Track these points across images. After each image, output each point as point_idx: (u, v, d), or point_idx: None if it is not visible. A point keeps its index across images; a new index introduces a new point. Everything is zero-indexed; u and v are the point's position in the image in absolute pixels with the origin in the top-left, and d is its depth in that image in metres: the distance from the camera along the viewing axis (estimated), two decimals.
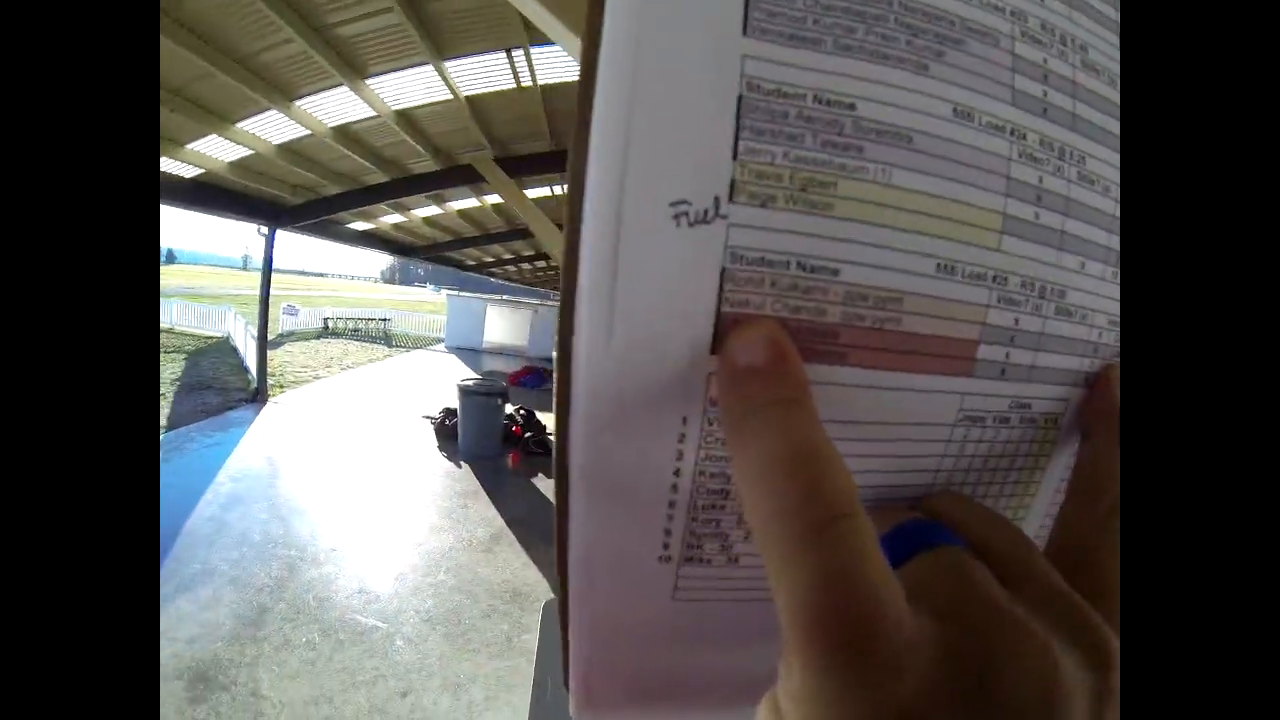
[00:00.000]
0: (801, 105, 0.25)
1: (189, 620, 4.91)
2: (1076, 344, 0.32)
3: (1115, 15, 0.32)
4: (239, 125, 7.29)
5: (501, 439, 9.59)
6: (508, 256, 22.82)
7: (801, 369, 0.24)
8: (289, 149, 8.26)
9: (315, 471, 8.42)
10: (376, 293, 69.73)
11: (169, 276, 57.99)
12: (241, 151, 8.14)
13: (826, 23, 0.26)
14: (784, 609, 0.20)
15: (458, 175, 9.50)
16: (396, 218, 13.51)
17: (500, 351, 23.34)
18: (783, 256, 0.26)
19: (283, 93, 6.57)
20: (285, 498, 7.46)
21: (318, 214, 10.65)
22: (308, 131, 7.63)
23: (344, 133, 7.92)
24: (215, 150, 8.05)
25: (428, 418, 10.92)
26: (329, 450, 9.37)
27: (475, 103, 7.40)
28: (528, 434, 9.88)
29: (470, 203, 12.90)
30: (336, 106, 7.17)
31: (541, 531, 6.60)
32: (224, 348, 19.11)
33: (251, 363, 14.56)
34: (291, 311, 25.57)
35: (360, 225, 13.81)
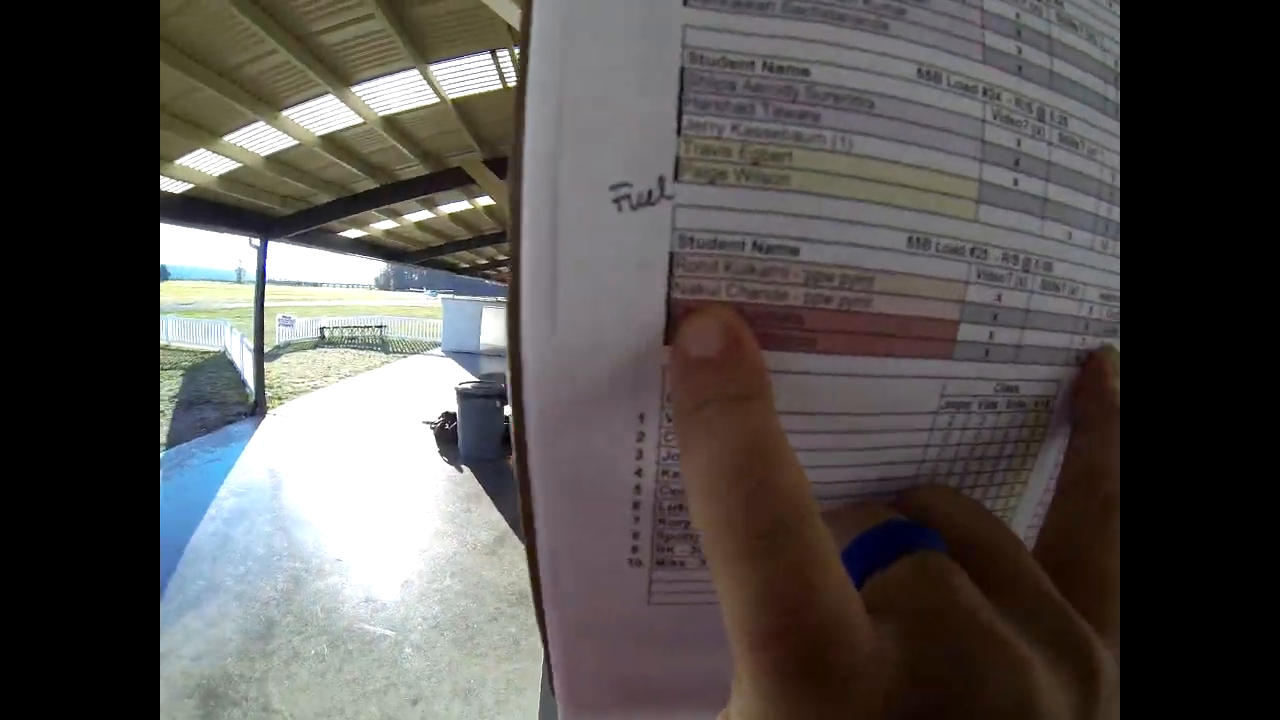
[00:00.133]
0: (750, 74, 0.23)
1: (196, 637, 4.89)
2: (1066, 320, 0.29)
3: None
4: (227, 138, 7.27)
5: (502, 440, 9.57)
6: (501, 258, 22.79)
7: (758, 359, 0.22)
8: (278, 160, 8.24)
9: (317, 482, 8.38)
10: (372, 300, 69.72)
11: (163, 293, 57.93)
12: (230, 164, 8.12)
13: None
14: (728, 625, 0.19)
15: (448, 179, 9.51)
16: (388, 224, 13.50)
17: (498, 353, 23.26)
18: (736, 237, 0.23)
19: (269, 104, 6.57)
20: (288, 510, 7.45)
21: (309, 224, 10.66)
22: (296, 141, 7.62)
23: (332, 141, 7.92)
24: (204, 164, 8.04)
25: (427, 423, 10.91)
26: (330, 460, 9.33)
27: (462, 105, 7.40)
28: None
29: (462, 205, 12.90)
30: (323, 115, 7.17)
31: None
32: (220, 362, 19.05)
33: (249, 376, 14.54)
34: (287, 323, 25.51)
35: (352, 233, 13.79)
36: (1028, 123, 0.27)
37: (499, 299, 25.54)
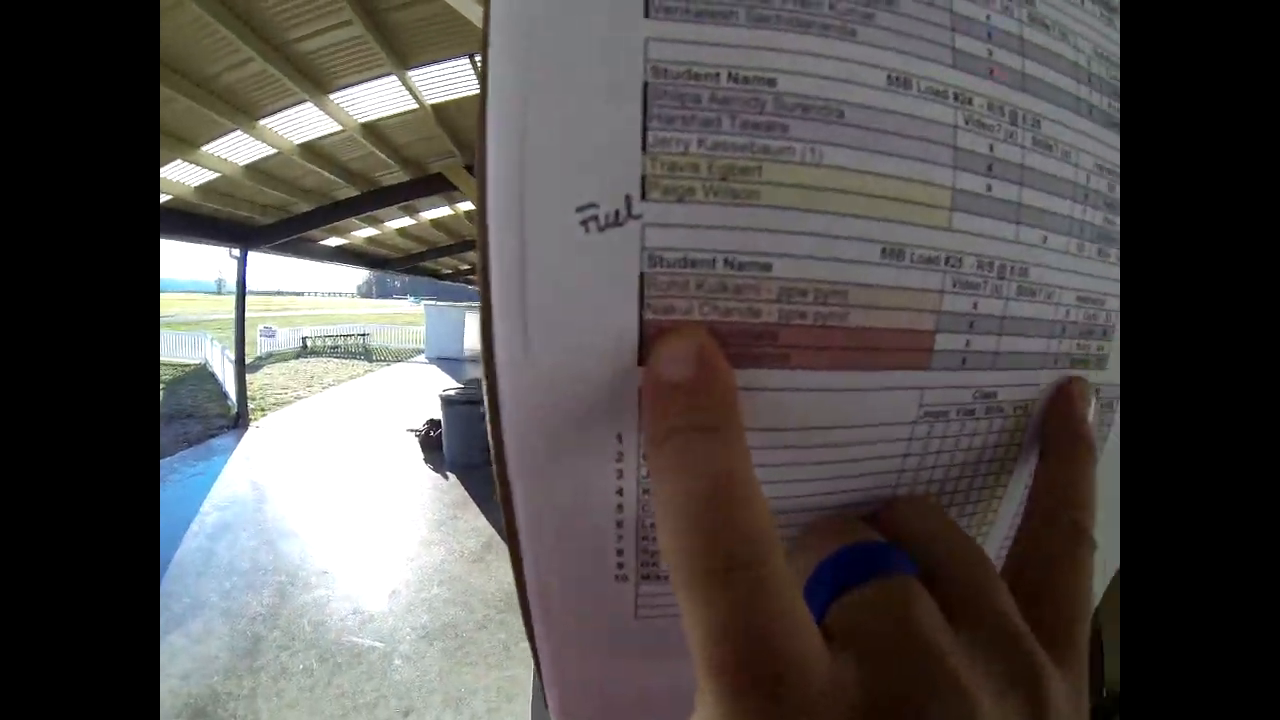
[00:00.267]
0: (715, 86, 0.23)
1: (182, 655, 4.81)
2: (1044, 324, 0.29)
3: None
4: (204, 148, 7.22)
5: (487, 447, 9.49)
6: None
7: (729, 384, 0.22)
8: (256, 169, 8.19)
9: (301, 494, 8.27)
10: (354, 308, 69.35)
11: None
12: (208, 175, 8.06)
13: None
14: (691, 649, 0.19)
15: (429, 185, 9.49)
16: (370, 231, 13.45)
17: (478, 359, 23.19)
18: (707, 254, 0.23)
19: (246, 113, 6.52)
20: (273, 523, 7.33)
21: (289, 233, 10.59)
22: (274, 150, 7.57)
23: (311, 149, 7.88)
24: (181, 175, 7.97)
25: (412, 430, 10.83)
26: (314, 471, 9.25)
27: (442, 110, 7.37)
28: None
29: (443, 211, 12.86)
30: (302, 123, 7.13)
31: None
32: (202, 375, 18.88)
33: (231, 388, 14.42)
34: (269, 333, 25.34)
35: (333, 241, 13.74)
36: (1000, 127, 0.27)
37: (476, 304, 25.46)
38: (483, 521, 7.13)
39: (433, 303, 26.51)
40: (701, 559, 0.19)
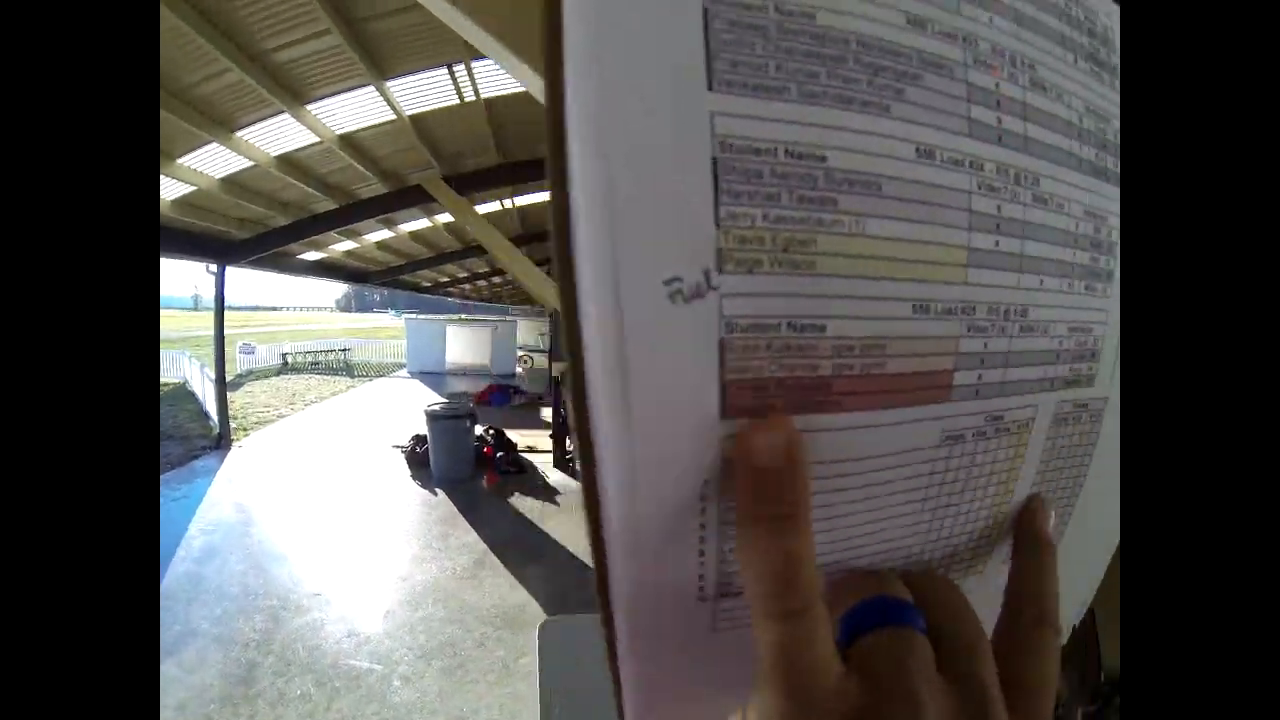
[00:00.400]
0: (774, 161, 0.26)
1: (176, 685, 4.77)
2: (1042, 354, 0.35)
3: (1059, 26, 0.34)
4: (180, 161, 7.12)
5: (474, 461, 9.50)
6: (463, 275, 22.70)
7: (805, 478, 0.28)
8: (233, 182, 8.09)
9: (288, 515, 8.24)
10: (333, 322, 68.74)
11: None
12: (184, 188, 7.95)
13: (790, 69, 0.26)
14: (758, 655, 0.28)
15: (407, 197, 9.41)
16: (348, 244, 13.35)
17: (463, 372, 23.12)
18: (774, 320, 0.27)
19: (222, 124, 6.43)
20: (261, 546, 7.29)
21: (267, 247, 10.48)
22: (251, 163, 7.48)
23: (288, 161, 7.78)
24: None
25: (398, 447, 10.77)
26: (300, 491, 9.14)
27: (420, 121, 7.31)
28: (499, 453, 9.79)
29: (422, 224, 12.80)
30: (279, 135, 7.05)
31: (525, 552, 6.56)
32: (181, 394, 18.63)
33: (211, 407, 14.23)
34: (248, 350, 25.08)
35: (312, 255, 13.62)
36: (1006, 188, 0.32)
37: (461, 316, 25.38)
38: (473, 537, 7.10)
39: (413, 316, 26.36)
40: (771, 603, 0.27)
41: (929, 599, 0.33)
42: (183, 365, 20.74)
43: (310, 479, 9.79)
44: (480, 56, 5.96)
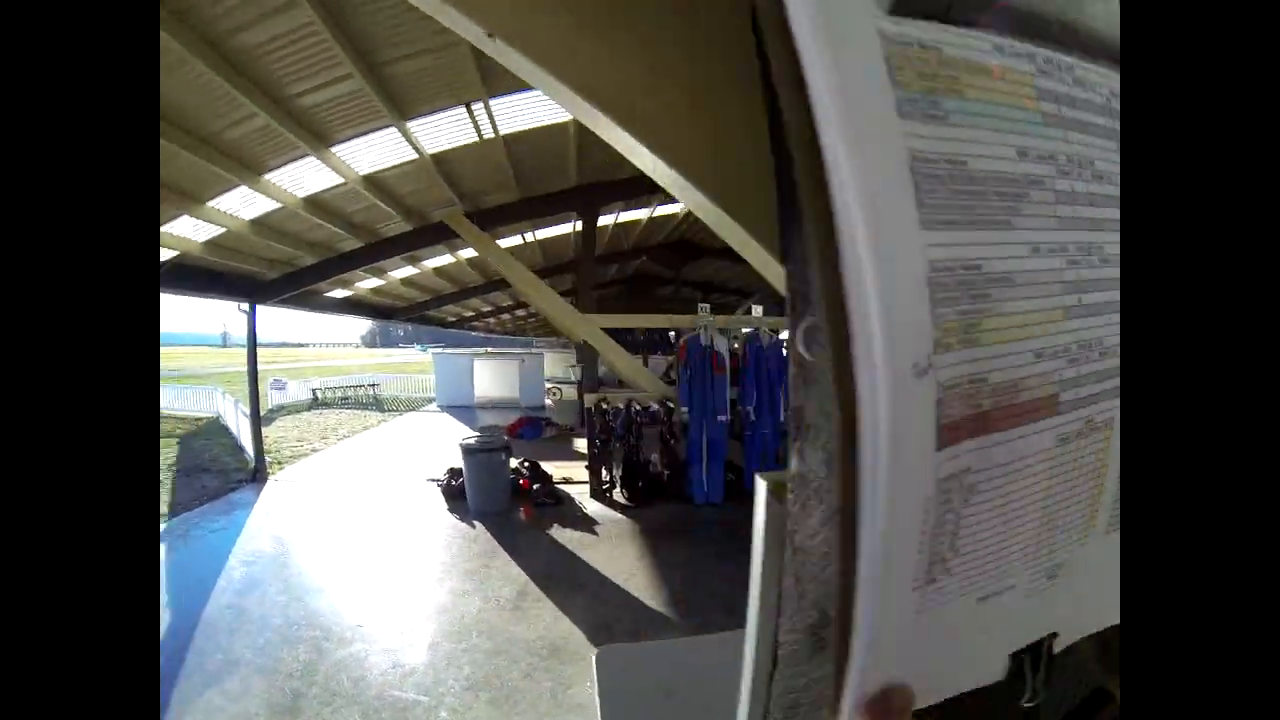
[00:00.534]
0: (956, 274, 0.43)
1: (220, 714, 4.70)
2: (1108, 370, 0.52)
3: (1105, 122, 0.51)
4: (210, 204, 7.35)
5: (510, 494, 9.45)
6: (487, 309, 22.92)
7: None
8: (262, 223, 8.32)
9: (327, 547, 8.12)
10: (359, 358, 69.25)
11: None
12: (215, 230, 8.20)
13: (960, 205, 0.43)
14: None
15: (431, 234, 9.68)
16: (374, 282, 13.56)
17: (493, 405, 23.11)
18: (960, 379, 0.44)
19: (251, 168, 6.65)
20: (301, 577, 7.21)
21: (296, 286, 10.71)
22: (279, 204, 7.72)
23: (315, 202, 8.02)
24: (189, 231, 8.11)
25: (433, 480, 10.72)
26: (338, 524, 9.11)
27: (441, 159, 7.53)
28: (536, 485, 9.74)
29: (446, 260, 13.01)
30: (305, 177, 7.27)
31: (567, 583, 6.47)
32: (215, 428, 18.82)
33: (246, 441, 14.34)
34: (279, 386, 25.35)
35: (339, 293, 13.84)
36: (1083, 260, 0.49)
37: (487, 350, 25.44)
38: (515, 569, 7.02)
39: (440, 350, 26.52)
40: None
41: None
42: (215, 401, 20.98)
43: (347, 512, 9.75)
44: (497, 94, 6.18)
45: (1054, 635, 0.61)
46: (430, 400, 25.54)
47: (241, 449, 14.79)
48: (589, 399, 9.70)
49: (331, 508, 10.02)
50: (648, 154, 1.19)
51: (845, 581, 0.47)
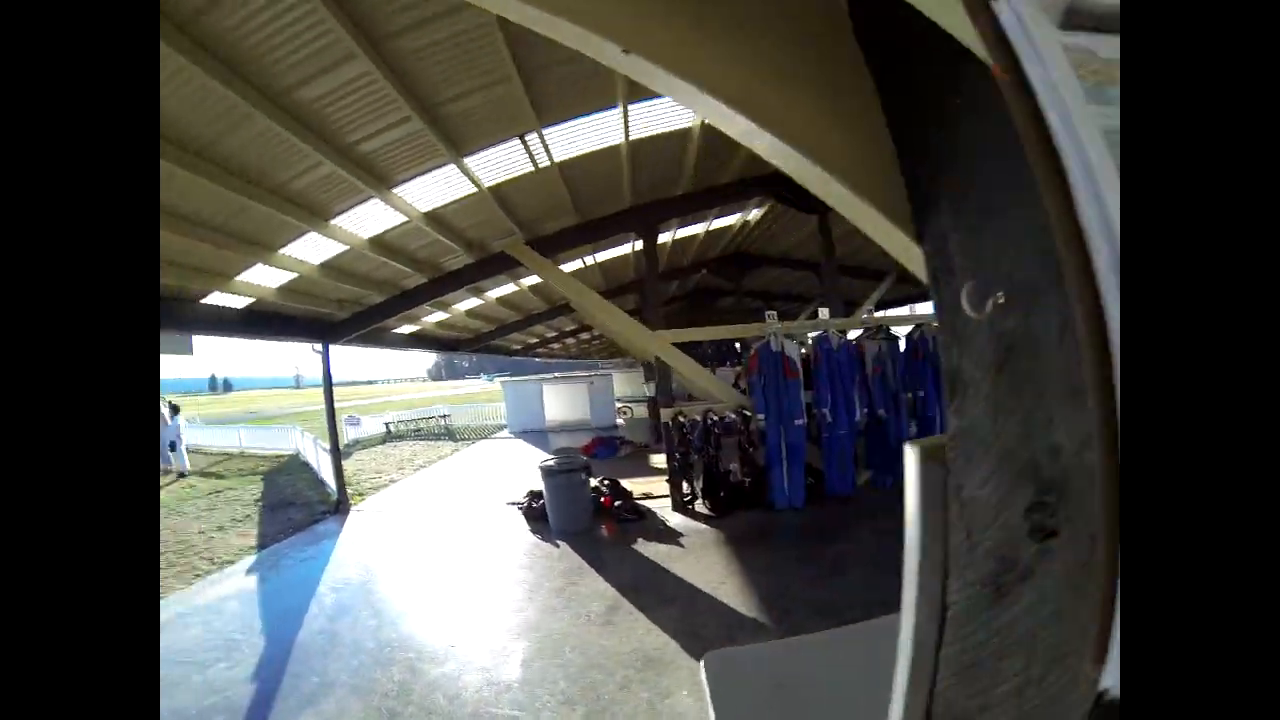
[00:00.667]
0: None
1: None
2: None
3: None
4: (282, 251, 7.62)
5: (592, 512, 9.40)
6: (551, 335, 23.14)
7: None
8: (331, 266, 8.59)
9: (413, 572, 8.29)
10: (427, 391, 70.61)
11: (229, 405, 59.78)
12: (287, 275, 8.49)
13: None
14: None
15: (493, 265, 9.82)
16: (440, 315, 13.82)
17: (564, 428, 23.31)
18: None
19: (318, 214, 6.88)
20: (390, 602, 7.32)
21: (365, 324, 11.00)
22: (346, 246, 7.93)
23: (380, 242, 8.22)
24: (263, 278, 8.43)
25: (514, 503, 10.79)
26: (422, 549, 9.32)
27: (499, 191, 7.66)
28: (617, 503, 9.70)
29: (509, 289, 13.19)
30: (370, 218, 7.47)
31: (656, 595, 6.37)
32: (295, 464, 19.41)
33: (325, 475, 14.71)
34: (354, 422, 25.98)
35: (406, 328, 14.14)
36: None
37: (555, 375, 25.68)
38: (603, 585, 6.96)
39: (508, 379, 26.86)
40: None
41: None
42: (293, 439, 21.60)
43: (430, 537, 9.89)
44: (549, 124, 6.30)
45: None
46: (501, 427, 25.87)
47: (322, 482, 15.18)
48: (665, 414, 9.64)
49: (414, 534, 10.19)
50: (780, 146, 1.27)
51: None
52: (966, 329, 0.83)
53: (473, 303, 13.66)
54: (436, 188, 7.08)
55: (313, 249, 7.92)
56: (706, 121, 7.05)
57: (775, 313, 9.06)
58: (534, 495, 10.16)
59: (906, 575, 0.95)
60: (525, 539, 9.16)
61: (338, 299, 10.25)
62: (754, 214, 12.99)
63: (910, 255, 1.15)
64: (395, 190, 6.74)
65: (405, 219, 7.57)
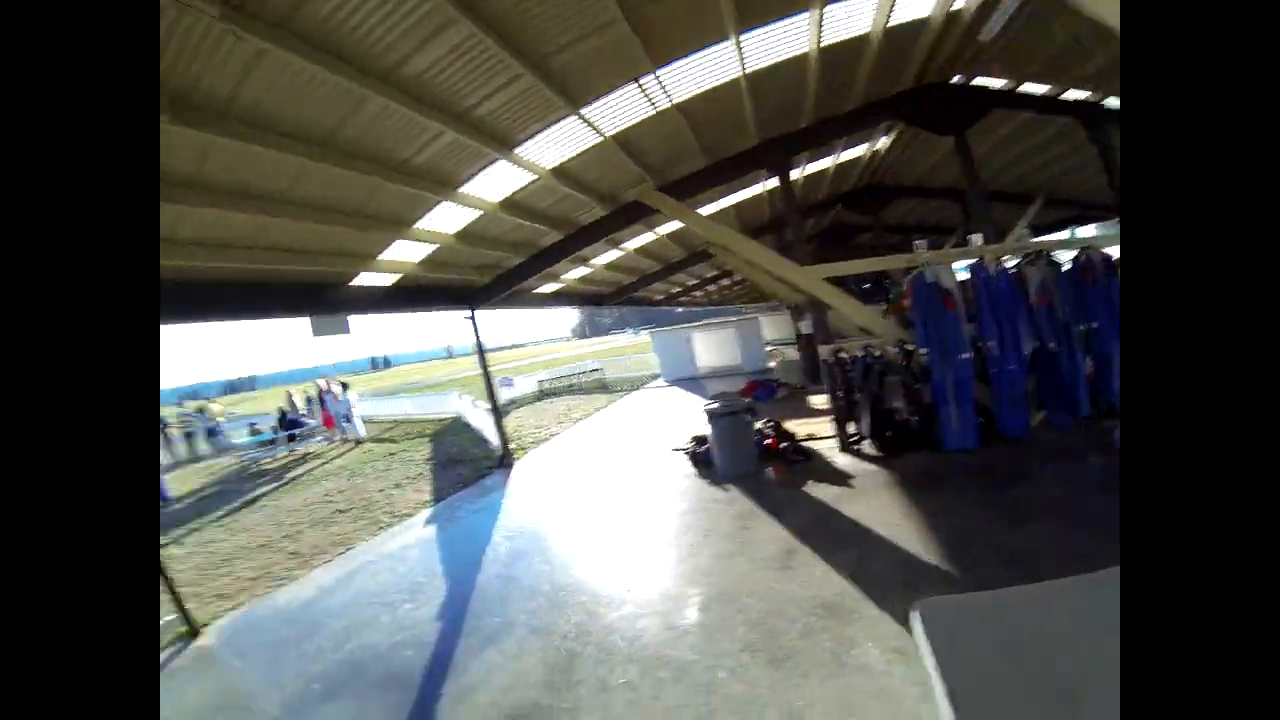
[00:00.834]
0: None
1: (500, 670, 4.96)
2: None
3: None
4: (418, 225, 7.80)
5: (757, 455, 9.20)
6: (692, 282, 22.99)
7: None
8: (468, 234, 8.73)
9: (582, 519, 8.51)
10: (572, 349, 72.22)
11: (390, 379, 63.67)
12: (427, 248, 8.71)
13: None
14: None
15: (626, 215, 9.66)
16: (580, 270, 13.94)
17: (716, 374, 23.21)
18: None
19: (447, 184, 6.96)
20: (561, 548, 7.53)
21: (507, 286, 11.21)
22: (479, 212, 8.03)
23: (511, 204, 8.25)
24: (405, 254, 8.69)
25: (678, 449, 10.77)
26: (588, 498, 9.59)
27: (623, 139, 7.46)
28: (783, 444, 9.46)
29: (646, 238, 13.12)
30: (498, 181, 7.48)
31: (832, 539, 6.09)
32: (457, 426, 20.37)
33: (487, 433, 15.31)
34: (507, 383, 26.87)
35: (548, 287, 14.34)
36: None
37: (705, 322, 25.49)
38: (778, 529, 6.76)
39: (656, 330, 26.93)
40: None
41: None
42: (452, 402, 22.78)
43: (595, 486, 10.08)
44: (663, 63, 6.08)
45: None
46: (653, 378, 26.07)
47: (484, 440, 15.88)
48: (824, 351, 9.22)
49: (579, 484, 10.48)
50: None
51: None
52: None
53: (611, 255, 13.66)
54: (560, 142, 6.99)
55: (448, 219, 8.06)
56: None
57: (924, 241, 8.35)
58: (699, 440, 10.09)
59: None
60: (693, 484, 9.14)
61: (478, 265, 10.50)
62: (882, 142, 12.21)
63: None
64: (519, 150, 6.69)
65: (533, 177, 7.55)
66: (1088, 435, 7.72)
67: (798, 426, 10.62)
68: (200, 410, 28.77)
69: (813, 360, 14.80)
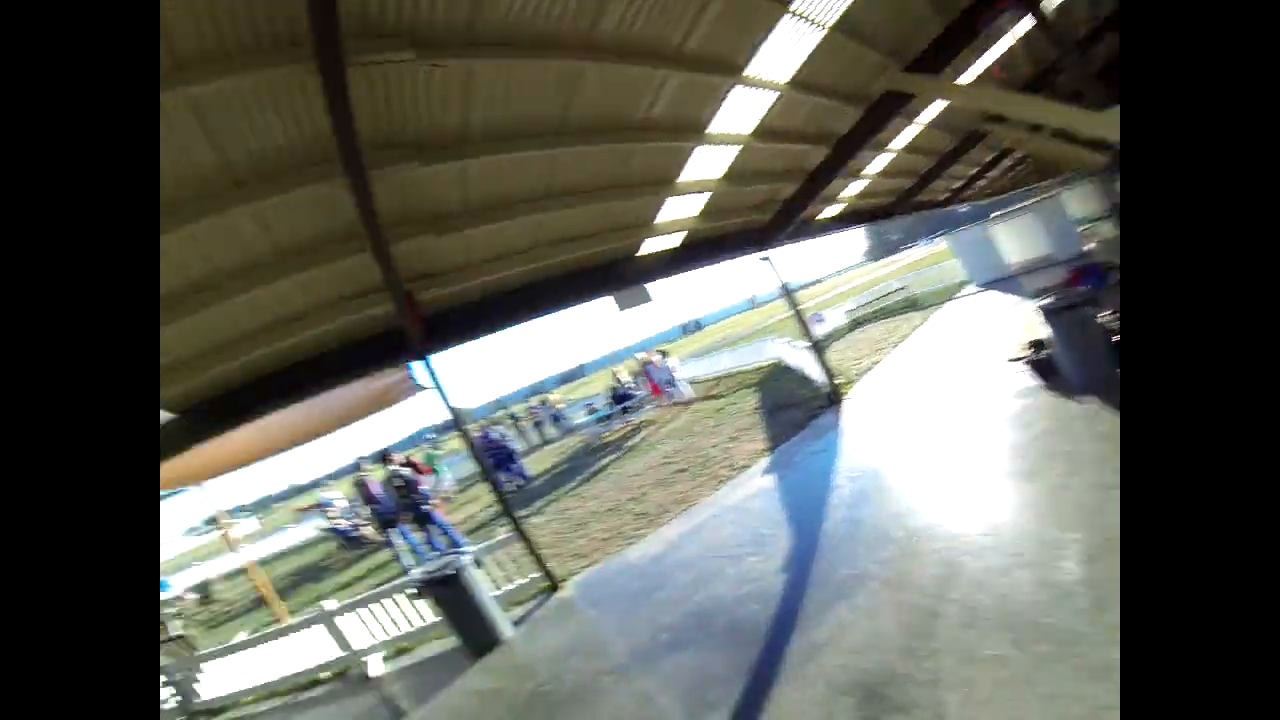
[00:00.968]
0: None
1: (852, 630, 4.68)
2: None
3: None
4: (680, 180, 7.86)
5: (1105, 356, 7.64)
6: (973, 171, 20.87)
7: None
8: (733, 173, 8.62)
9: (925, 452, 7.89)
10: (869, 274, 68.80)
11: (702, 340, 65.76)
12: (701, 199, 8.76)
13: None
14: None
15: (882, 110, 8.78)
16: (856, 185, 13.39)
17: (1029, 269, 20.46)
18: None
19: (692, 129, 6.89)
20: (909, 487, 6.99)
21: (789, 219, 10.97)
22: (737, 147, 7.88)
23: (764, 130, 7.94)
24: (680, 211, 8.83)
25: (1015, 359, 9.39)
26: (927, 427, 8.89)
27: (844, 23, 6.61)
28: None
29: (911, 133, 12.20)
30: (741, 110, 7.20)
31: None
32: (778, 371, 20.42)
33: (809, 373, 15.06)
34: (818, 319, 26.45)
35: (829, 211, 13.87)
36: None
37: (999, 214, 22.62)
38: None
39: (951, 234, 24.60)
40: None
41: None
42: (768, 349, 23.02)
43: (931, 414, 9.57)
44: None
45: None
46: (963, 285, 23.92)
47: (809, 380, 15.65)
48: None
49: (914, 413, 9.95)
50: None
51: None
52: None
53: (882, 161, 12.95)
54: (783, 49, 6.49)
55: (709, 164, 7.99)
56: None
57: None
58: (1036, 345, 8.69)
59: None
60: (1042, 399, 8.01)
61: (755, 204, 10.42)
62: None
63: None
64: (748, 71, 6.41)
65: (775, 94, 7.20)
66: None
67: None
68: (543, 402, 33.91)
69: None
